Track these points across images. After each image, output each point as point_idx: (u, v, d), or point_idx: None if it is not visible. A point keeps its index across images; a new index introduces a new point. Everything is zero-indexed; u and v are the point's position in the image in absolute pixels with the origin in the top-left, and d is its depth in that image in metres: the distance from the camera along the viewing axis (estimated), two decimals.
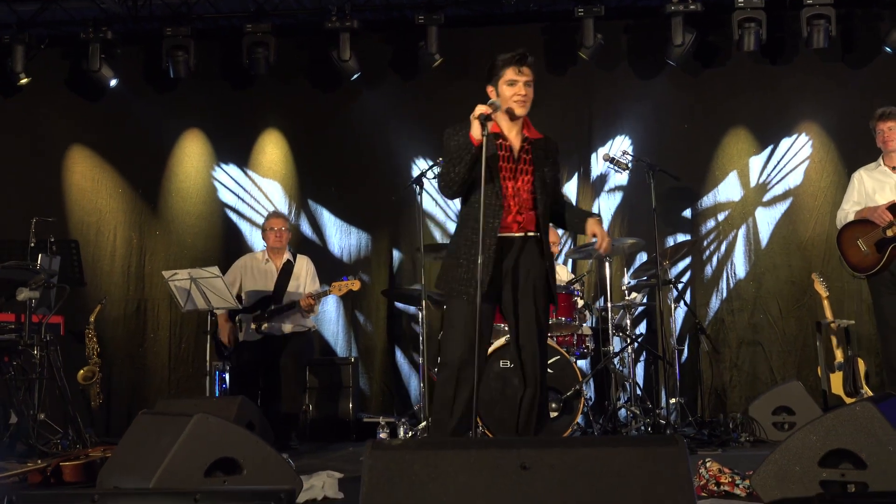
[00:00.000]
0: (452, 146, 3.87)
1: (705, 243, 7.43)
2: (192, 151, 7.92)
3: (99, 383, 6.99)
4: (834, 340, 6.28)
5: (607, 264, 6.19)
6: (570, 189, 7.57)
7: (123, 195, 7.90)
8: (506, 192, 3.89)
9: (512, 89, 3.87)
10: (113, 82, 7.70)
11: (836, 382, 6.15)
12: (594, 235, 4.02)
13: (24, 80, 7.53)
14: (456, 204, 7.58)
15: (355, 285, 6.24)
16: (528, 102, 3.92)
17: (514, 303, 3.91)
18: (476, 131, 3.72)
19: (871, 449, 3.07)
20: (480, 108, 3.73)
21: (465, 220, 3.96)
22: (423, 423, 5.76)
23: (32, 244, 6.04)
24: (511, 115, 3.92)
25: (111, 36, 7.38)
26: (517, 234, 3.91)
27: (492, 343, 5.83)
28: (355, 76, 7.58)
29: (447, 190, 3.92)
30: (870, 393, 6.02)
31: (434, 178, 6.28)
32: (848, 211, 5.61)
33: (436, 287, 4.05)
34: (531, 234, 3.94)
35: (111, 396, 7.42)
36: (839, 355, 6.21)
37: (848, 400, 6.00)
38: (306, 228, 7.78)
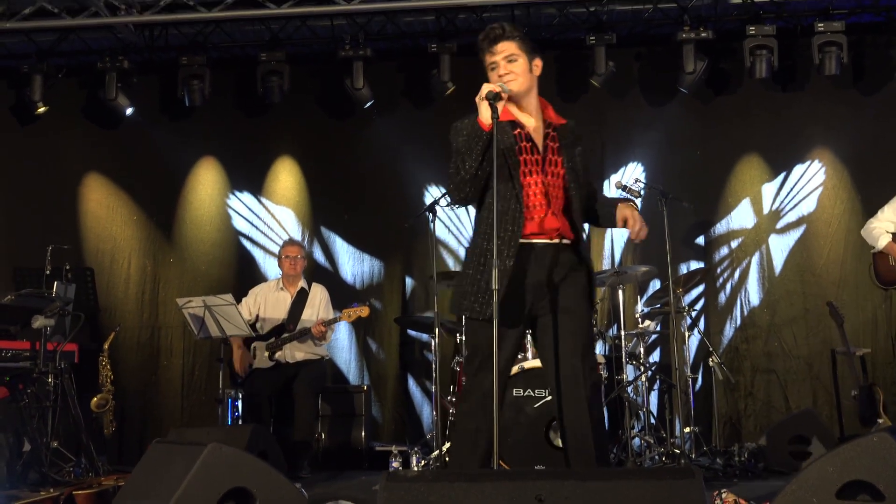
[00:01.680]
0: (461, 142, 3.37)
1: (718, 270, 7.40)
2: (206, 179, 7.97)
3: (112, 411, 6.99)
4: (850, 369, 6.23)
5: (620, 292, 6.18)
6: None
7: (138, 223, 7.95)
8: (528, 191, 3.38)
9: (494, 74, 3.44)
10: (129, 111, 7.78)
11: (852, 412, 6.09)
12: (625, 221, 3.48)
13: (41, 109, 7.62)
14: (467, 230, 7.65)
15: (364, 312, 6.25)
16: (519, 78, 3.43)
17: (552, 325, 3.38)
18: (485, 114, 3.25)
19: (888, 480, 3.04)
20: (487, 86, 3.28)
21: (477, 227, 3.46)
22: (436, 452, 5.74)
23: (48, 272, 6.09)
24: (517, 101, 3.48)
25: (128, 65, 7.45)
26: (549, 241, 3.41)
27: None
28: (368, 104, 7.63)
29: (458, 192, 3.38)
30: (888, 422, 5.96)
31: (447, 205, 6.29)
32: (881, 231, 5.61)
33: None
34: (566, 240, 3.45)
35: (124, 424, 7.42)
36: (855, 384, 6.16)
37: (865, 429, 5.94)
38: (319, 255, 7.80)
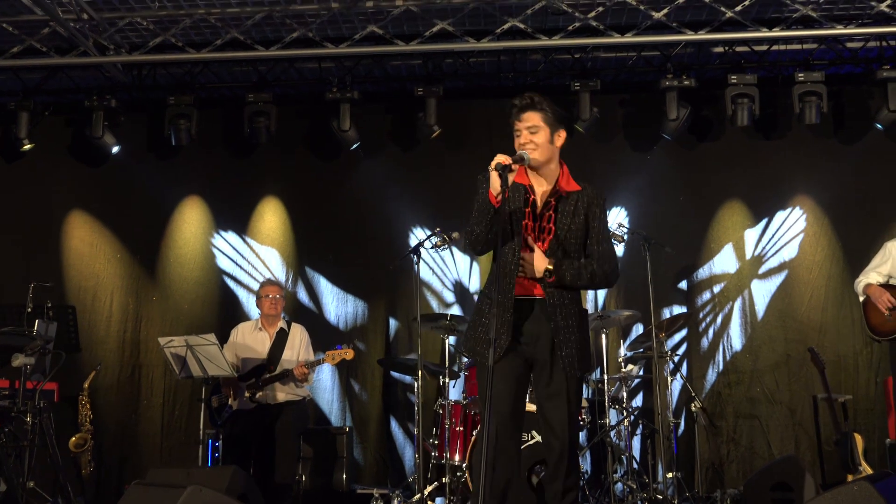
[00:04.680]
0: (476, 206, 3.61)
1: (701, 315, 7.44)
2: (191, 218, 7.97)
3: (91, 451, 6.92)
4: (831, 415, 6.24)
5: (604, 336, 6.20)
6: None
7: (122, 261, 7.91)
8: (524, 251, 3.63)
9: (518, 141, 3.66)
10: (115, 149, 7.78)
11: (834, 458, 6.10)
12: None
13: (27, 146, 7.59)
14: (452, 273, 7.68)
15: (349, 354, 6.22)
16: (538, 149, 3.63)
17: (530, 371, 3.70)
18: (495, 185, 3.42)
19: None
20: (499, 158, 3.43)
21: (489, 278, 3.76)
22: (418, 496, 5.69)
23: (29, 309, 6.04)
24: (535, 168, 3.68)
25: (115, 104, 7.47)
26: (530, 297, 3.65)
27: None
28: (355, 146, 7.67)
29: (473, 248, 3.68)
30: (868, 470, 5.97)
31: (431, 247, 6.33)
32: (863, 282, 5.68)
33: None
34: (538, 297, 3.66)
35: (102, 464, 7.32)
36: (836, 431, 6.17)
37: (847, 476, 5.94)
38: (303, 296, 7.78)
